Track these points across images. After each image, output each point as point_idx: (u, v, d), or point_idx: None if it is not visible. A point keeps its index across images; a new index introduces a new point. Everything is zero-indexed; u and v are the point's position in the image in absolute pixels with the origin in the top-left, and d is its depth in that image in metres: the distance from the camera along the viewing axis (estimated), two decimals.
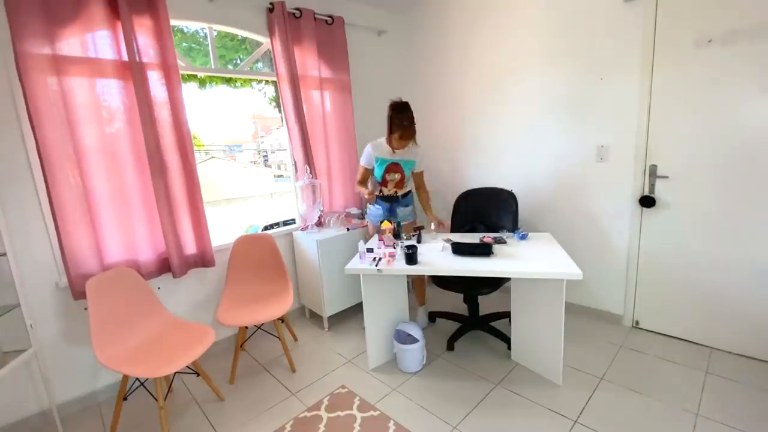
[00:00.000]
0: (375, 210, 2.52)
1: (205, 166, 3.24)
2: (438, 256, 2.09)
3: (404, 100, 2.30)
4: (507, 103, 2.89)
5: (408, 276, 2.58)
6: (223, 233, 2.65)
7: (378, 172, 2.48)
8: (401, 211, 2.61)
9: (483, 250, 2.02)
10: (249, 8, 2.56)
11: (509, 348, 2.27)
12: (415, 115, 2.29)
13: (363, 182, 2.55)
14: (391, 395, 2.01)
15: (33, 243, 1.89)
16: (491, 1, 2.84)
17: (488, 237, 2.25)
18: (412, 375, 2.17)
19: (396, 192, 2.56)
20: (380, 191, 2.55)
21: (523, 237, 2.27)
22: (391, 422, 1.81)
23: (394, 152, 2.41)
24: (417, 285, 2.72)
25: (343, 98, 3.05)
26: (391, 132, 2.30)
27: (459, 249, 2.09)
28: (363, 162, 2.50)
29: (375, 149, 2.44)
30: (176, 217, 2.24)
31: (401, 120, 2.25)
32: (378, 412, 1.88)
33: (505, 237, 2.30)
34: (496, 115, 2.97)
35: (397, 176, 2.50)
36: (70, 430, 1.93)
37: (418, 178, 2.64)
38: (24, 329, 1.72)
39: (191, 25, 2.47)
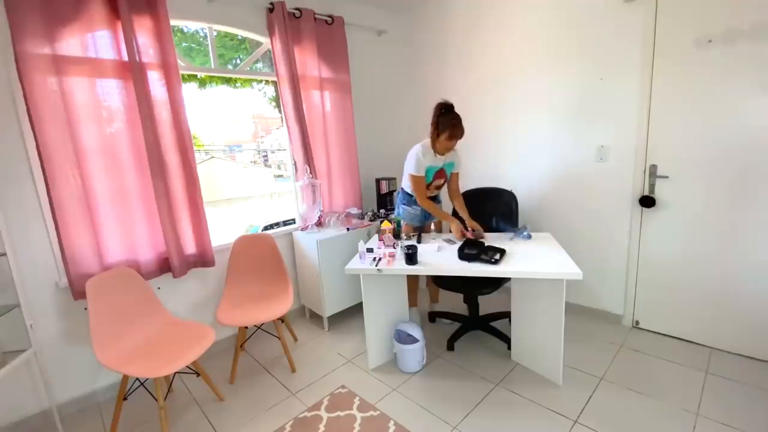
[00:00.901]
0: (413, 210, 2.49)
1: (205, 166, 3.24)
2: (438, 257, 2.09)
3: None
4: (507, 103, 2.89)
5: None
6: (223, 233, 2.64)
7: (428, 180, 2.36)
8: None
9: (490, 259, 1.94)
10: (249, 8, 2.56)
11: (509, 348, 2.27)
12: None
13: (426, 195, 2.35)
14: (391, 395, 2.01)
15: (33, 243, 1.89)
16: (491, 1, 2.84)
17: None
18: (412, 375, 2.17)
19: (436, 193, 2.55)
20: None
21: (528, 237, 2.27)
22: (391, 422, 1.80)
23: (438, 156, 2.31)
24: (409, 285, 2.51)
25: (343, 98, 3.05)
26: (438, 133, 2.18)
27: (467, 257, 1.99)
28: (416, 171, 2.28)
29: (425, 156, 2.28)
30: (176, 217, 2.24)
31: (450, 118, 2.16)
32: (378, 412, 1.88)
33: (510, 237, 2.29)
34: (495, 115, 2.97)
35: (441, 182, 2.45)
36: (70, 430, 1.93)
37: (455, 180, 2.50)
38: (24, 329, 1.72)
39: (191, 25, 2.47)
